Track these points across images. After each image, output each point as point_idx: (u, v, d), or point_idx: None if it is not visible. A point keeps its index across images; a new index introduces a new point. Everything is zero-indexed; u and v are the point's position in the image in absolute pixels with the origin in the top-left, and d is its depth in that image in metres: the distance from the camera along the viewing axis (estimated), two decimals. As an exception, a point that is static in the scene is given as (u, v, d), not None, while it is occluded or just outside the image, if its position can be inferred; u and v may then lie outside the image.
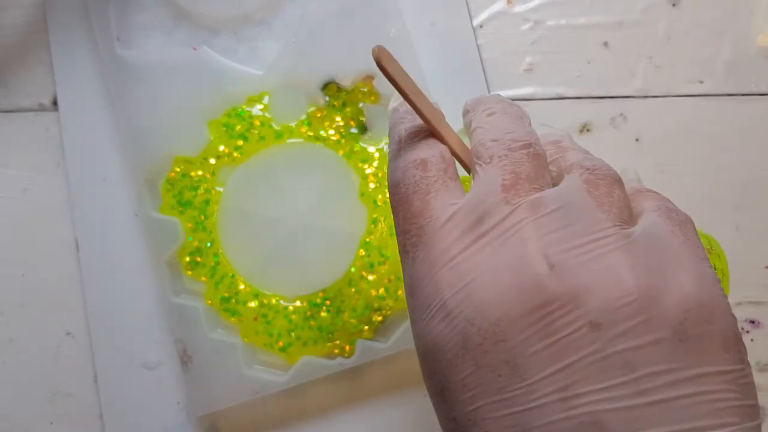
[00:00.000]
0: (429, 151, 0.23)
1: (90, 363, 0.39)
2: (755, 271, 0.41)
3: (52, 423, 0.39)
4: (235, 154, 0.39)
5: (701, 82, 0.42)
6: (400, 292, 0.38)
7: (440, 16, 0.42)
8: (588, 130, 0.42)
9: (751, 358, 0.40)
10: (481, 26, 0.42)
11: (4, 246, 0.41)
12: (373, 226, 0.39)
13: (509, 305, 0.20)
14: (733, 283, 0.41)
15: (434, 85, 0.41)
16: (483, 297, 0.20)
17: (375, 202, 0.39)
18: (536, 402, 0.19)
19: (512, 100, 0.42)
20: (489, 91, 0.42)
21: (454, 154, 0.24)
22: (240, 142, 0.39)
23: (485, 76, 0.42)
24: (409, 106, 0.24)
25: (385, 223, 0.39)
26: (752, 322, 0.40)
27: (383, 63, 0.23)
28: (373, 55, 0.23)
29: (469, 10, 0.42)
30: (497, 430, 0.20)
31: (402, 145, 0.24)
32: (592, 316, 0.19)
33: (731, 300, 0.40)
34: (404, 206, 0.23)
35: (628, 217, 0.21)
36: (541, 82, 0.42)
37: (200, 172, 0.39)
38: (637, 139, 0.42)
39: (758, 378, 0.40)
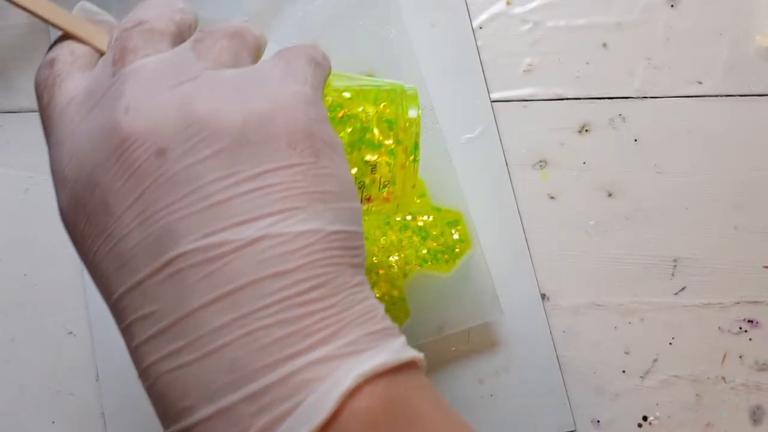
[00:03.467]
0: (59, 50, 0.25)
1: (92, 362, 0.40)
2: (754, 271, 0.41)
3: (53, 422, 0.40)
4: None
5: (700, 83, 0.42)
6: (395, 292, 0.39)
7: (440, 18, 0.42)
8: (587, 131, 0.42)
9: (750, 358, 0.40)
10: (480, 27, 0.43)
11: (5, 246, 0.41)
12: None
13: (98, 153, 0.22)
14: (731, 283, 0.41)
15: (434, 85, 0.41)
16: (83, 154, 0.22)
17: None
18: (125, 230, 0.21)
19: (511, 101, 0.42)
20: (489, 93, 0.42)
21: (96, 48, 0.25)
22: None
23: (485, 77, 0.42)
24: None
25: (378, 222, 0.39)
26: (750, 321, 0.41)
27: None
28: None
29: (468, 12, 0.42)
30: (107, 265, 0.22)
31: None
32: (158, 145, 0.21)
33: (729, 299, 0.41)
34: (40, 104, 0.24)
35: (230, 62, 0.23)
36: (540, 82, 0.42)
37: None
38: (635, 140, 0.42)
39: (757, 377, 0.40)
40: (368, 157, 0.29)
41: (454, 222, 0.39)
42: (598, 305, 0.41)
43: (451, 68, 0.42)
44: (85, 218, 0.22)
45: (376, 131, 0.29)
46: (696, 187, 0.41)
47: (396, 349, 0.21)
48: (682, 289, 0.41)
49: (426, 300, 0.39)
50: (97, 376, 0.39)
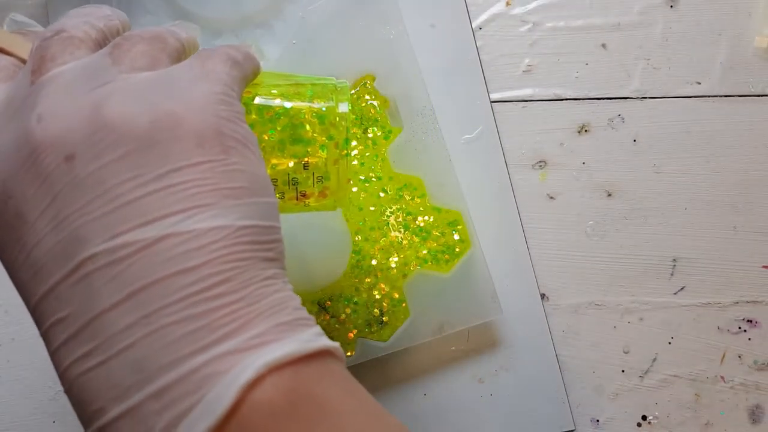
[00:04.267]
0: None
1: (92, 362, 0.40)
2: (753, 271, 0.41)
3: (54, 421, 0.40)
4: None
5: (699, 84, 0.42)
6: (396, 294, 0.39)
7: (440, 18, 0.42)
8: (586, 131, 0.42)
9: (749, 357, 0.40)
10: (480, 28, 0.43)
11: (6, 246, 0.41)
12: (360, 224, 0.39)
13: (11, 164, 0.22)
14: (730, 283, 0.41)
15: (434, 86, 0.41)
16: None
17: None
18: (38, 237, 0.22)
19: (511, 101, 0.42)
20: (488, 94, 0.42)
21: (21, 59, 0.26)
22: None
23: (484, 78, 0.42)
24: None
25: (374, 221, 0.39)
26: (749, 321, 0.41)
27: None
28: None
29: (468, 12, 0.43)
30: (24, 273, 0.22)
31: None
32: (68, 151, 0.21)
33: (728, 299, 0.41)
34: None
35: (146, 65, 0.24)
36: (539, 83, 0.42)
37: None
38: (634, 140, 0.42)
39: (756, 377, 0.40)
40: (300, 153, 0.29)
41: (454, 222, 0.39)
42: (598, 305, 0.41)
43: (451, 68, 0.42)
44: (2, 228, 0.23)
45: (307, 127, 0.29)
46: (695, 188, 0.42)
47: (305, 339, 0.21)
48: (682, 288, 0.41)
49: (426, 300, 0.39)
50: (98, 375, 0.39)
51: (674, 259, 0.41)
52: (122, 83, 0.22)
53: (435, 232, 0.39)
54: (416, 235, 0.39)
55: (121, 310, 0.20)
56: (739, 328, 0.41)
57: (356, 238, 0.39)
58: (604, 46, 0.43)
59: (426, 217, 0.39)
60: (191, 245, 0.21)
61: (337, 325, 0.38)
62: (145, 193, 0.21)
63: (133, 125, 0.22)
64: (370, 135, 0.40)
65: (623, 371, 0.40)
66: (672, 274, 0.41)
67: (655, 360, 0.40)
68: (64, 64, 0.23)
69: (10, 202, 0.22)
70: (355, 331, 0.38)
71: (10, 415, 0.40)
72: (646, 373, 0.40)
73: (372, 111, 0.40)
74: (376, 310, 0.38)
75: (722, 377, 0.40)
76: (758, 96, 0.42)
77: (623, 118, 0.42)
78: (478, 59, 0.42)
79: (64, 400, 0.40)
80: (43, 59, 0.24)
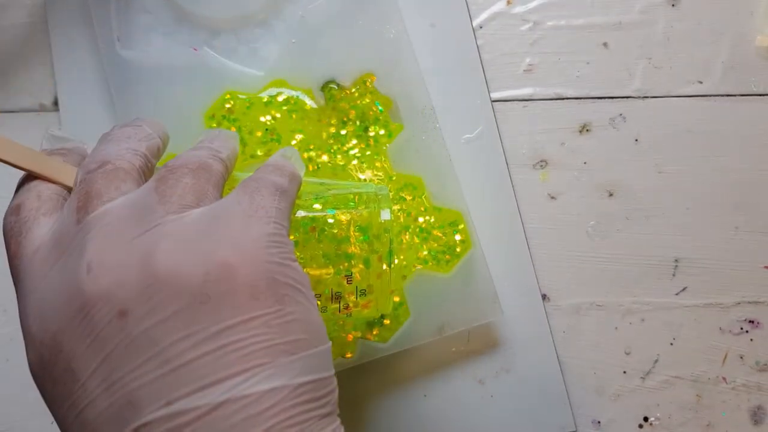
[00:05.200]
0: (25, 194, 0.25)
1: (91, 363, 0.40)
2: (754, 272, 0.41)
3: (52, 423, 0.40)
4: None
5: (700, 83, 0.42)
6: (397, 298, 0.38)
7: (440, 17, 0.42)
8: (587, 131, 0.42)
9: (751, 358, 0.40)
10: (480, 27, 0.43)
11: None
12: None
13: (61, 316, 0.21)
14: (732, 284, 0.41)
15: (434, 85, 0.41)
16: (47, 315, 0.22)
17: None
18: (89, 398, 0.21)
19: (512, 100, 0.42)
20: (489, 93, 0.42)
21: (64, 186, 0.25)
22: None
23: (485, 77, 0.42)
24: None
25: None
26: (751, 321, 0.41)
27: None
28: None
29: (468, 11, 0.42)
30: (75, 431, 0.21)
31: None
32: (120, 306, 0.21)
33: (730, 300, 0.41)
34: (8, 252, 0.24)
35: (194, 201, 0.23)
36: (540, 82, 0.42)
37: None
38: (636, 140, 0.42)
39: (758, 377, 0.40)
40: (344, 268, 0.29)
41: (455, 222, 0.39)
42: (599, 305, 0.41)
43: (451, 68, 0.42)
44: (51, 381, 0.22)
45: (351, 241, 0.29)
46: (696, 187, 0.41)
47: None
48: (683, 289, 0.41)
49: (426, 300, 0.39)
50: (97, 376, 0.39)
51: (676, 260, 0.41)
52: (171, 227, 0.22)
53: (436, 233, 0.39)
54: (416, 236, 0.39)
55: None
56: (741, 328, 0.41)
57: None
58: (605, 45, 0.42)
59: (426, 218, 0.39)
60: (249, 412, 0.20)
61: (337, 327, 0.38)
62: (199, 354, 0.20)
63: (185, 279, 0.21)
64: (372, 134, 0.40)
65: (625, 372, 0.40)
66: (674, 275, 0.41)
67: (656, 361, 0.40)
68: (110, 201, 0.23)
69: (61, 357, 0.22)
70: (355, 333, 0.38)
71: (9, 416, 0.40)
72: (647, 374, 0.40)
73: (373, 109, 0.40)
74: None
75: (724, 378, 0.40)
76: (760, 95, 0.42)
77: (625, 118, 0.42)
78: (478, 58, 0.42)
79: (63, 401, 0.40)
80: (88, 195, 0.23)
